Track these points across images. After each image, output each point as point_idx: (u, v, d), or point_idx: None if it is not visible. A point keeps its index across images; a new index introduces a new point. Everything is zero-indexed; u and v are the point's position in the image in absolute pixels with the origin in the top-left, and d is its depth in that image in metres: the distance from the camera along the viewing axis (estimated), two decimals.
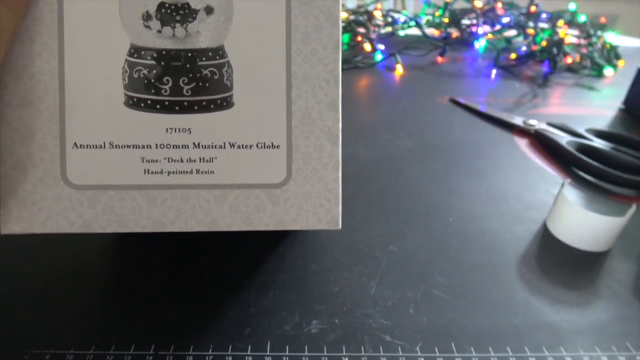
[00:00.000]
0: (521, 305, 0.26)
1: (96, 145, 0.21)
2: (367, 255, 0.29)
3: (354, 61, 0.60)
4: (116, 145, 0.21)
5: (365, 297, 0.26)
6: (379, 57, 0.62)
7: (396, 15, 0.70)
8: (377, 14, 0.70)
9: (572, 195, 0.36)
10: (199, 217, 0.22)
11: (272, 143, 0.22)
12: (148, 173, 0.22)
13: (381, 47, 0.63)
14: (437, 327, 0.24)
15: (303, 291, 0.26)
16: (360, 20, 0.68)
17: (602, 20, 0.71)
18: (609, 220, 0.29)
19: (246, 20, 0.22)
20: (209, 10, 0.21)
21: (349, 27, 0.66)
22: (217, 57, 0.22)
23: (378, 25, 0.70)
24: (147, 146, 0.22)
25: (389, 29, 0.71)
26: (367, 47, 0.62)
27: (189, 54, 0.21)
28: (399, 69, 0.60)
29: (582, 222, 0.30)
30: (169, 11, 0.21)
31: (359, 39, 0.64)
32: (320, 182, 0.23)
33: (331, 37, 0.22)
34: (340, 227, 0.23)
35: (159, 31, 0.21)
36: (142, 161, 0.22)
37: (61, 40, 0.21)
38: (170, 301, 0.25)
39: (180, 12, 0.21)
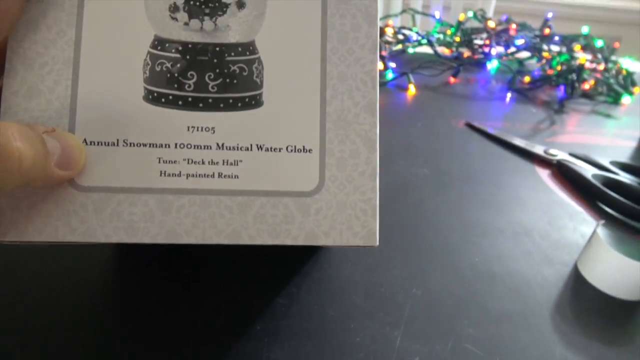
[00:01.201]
0: None
1: (109, 143, 0.19)
2: (389, 300, 0.27)
3: None
4: (131, 143, 0.19)
5: (389, 350, 0.24)
6: (390, 75, 0.60)
7: (408, 33, 0.69)
8: (389, 31, 0.68)
9: (606, 237, 0.34)
10: (219, 227, 0.20)
11: (303, 147, 0.20)
12: (164, 175, 0.19)
13: (392, 65, 0.61)
14: None
15: (321, 342, 0.24)
16: None
17: (616, 45, 0.70)
18: None
19: (280, 16, 0.20)
20: (240, 4, 0.20)
21: None
22: (247, 53, 0.20)
23: (389, 43, 0.68)
24: (166, 145, 0.19)
25: (399, 46, 0.69)
26: (379, 65, 0.61)
27: (217, 49, 0.20)
28: (412, 89, 0.58)
29: (620, 269, 0.28)
30: (197, 3, 0.20)
31: None
32: (356, 191, 0.20)
33: (369, 37, 0.21)
34: (377, 243, 0.21)
35: (186, 24, 0.20)
36: (159, 162, 0.19)
37: (79, 28, 0.19)
38: (169, 351, 0.22)
39: (210, 5, 0.20)
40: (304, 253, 0.29)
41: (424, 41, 0.67)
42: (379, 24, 0.68)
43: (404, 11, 0.74)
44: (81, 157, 0.18)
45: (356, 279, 0.28)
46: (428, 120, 0.51)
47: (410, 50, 0.69)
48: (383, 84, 0.59)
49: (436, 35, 0.70)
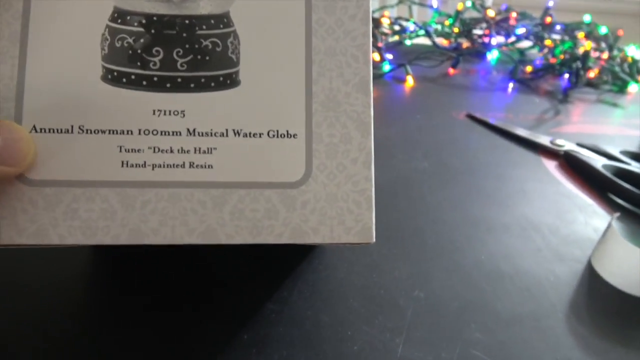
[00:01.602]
0: None
1: (62, 130, 0.17)
2: (389, 303, 0.24)
3: None
4: (88, 130, 0.17)
5: (390, 359, 0.21)
6: (386, 67, 0.58)
7: (405, 24, 0.66)
8: (385, 22, 0.66)
9: (621, 231, 0.32)
10: (191, 225, 0.17)
11: (287, 131, 0.18)
12: (127, 166, 0.17)
13: (389, 56, 0.59)
14: None
15: (315, 351, 0.21)
16: None
17: (620, 32, 0.68)
18: None
19: None
20: None
21: None
22: (221, 26, 0.18)
23: (385, 34, 0.66)
24: (128, 132, 0.17)
25: (396, 37, 0.66)
26: (375, 56, 0.58)
27: (186, 21, 0.18)
28: (410, 81, 0.55)
29: (638, 265, 0.26)
30: None
31: None
32: (348, 181, 0.18)
33: (360, 6, 0.18)
34: (374, 240, 0.18)
35: None
36: (120, 151, 0.17)
37: None
38: None
39: None
40: (297, 252, 0.27)
41: (422, 32, 0.65)
42: (375, 15, 0.65)
43: (400, 2, 0.72)
44: (29, 150, 0.16)
45: (353, 281, 0.26)
46: (427, 113, 0.48)
47: (408, 42, 0.67)
48: (380, 76, 0.57)
49: (434, 26, 0.68)
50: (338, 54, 0.18)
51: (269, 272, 0.26)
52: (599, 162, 0.38)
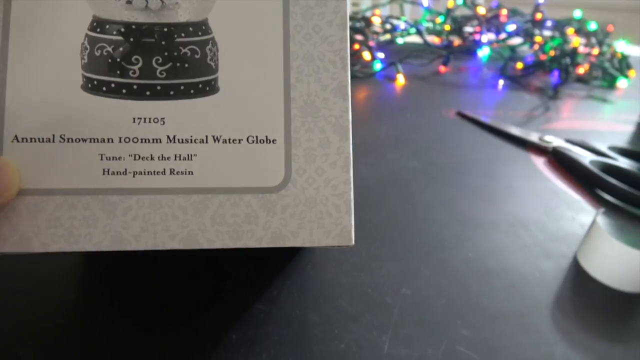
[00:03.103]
0: None
1: (43, 139, 0.17)
2: (376, 302, 0.25)
3: (352, 70, 0.56)
4: (69, 139, 0.17)
5: (377, 356, 0.22)
6: (378, 66, 0.58)
7: (395, 22, 0.67)
8: (376, 20, 0.66)
9: (607, 226, 0.32)
10: (172, 231, 0.18)
11: (266, 137, 0.18)
12: (108, 174, 0.17)
13: (380, 55, 0.59)
14: None
15: (302, 350, 0.22)
16: (357, 26, 0.64)
17: (610, 28, 0.68)
18: None
19: None
20: None
21: None
22: (200, 33, 0.18)
23: (376, 33, 0.66)
24: (109, 140, 0.17)
25: (387, 36, 0.67)
26: (366, 55, 0.59)
27: (165, 29, 0.18)
28: (400, 79, 0.56)
29: (623, 260, 0.26)
30: None
31: (357, 47, 0.60)
32: (327, 185, 0.18)
33: (337, 12, 0.19)
34: (353, 242, 0.19)
35: (129, 2, 0.18)
36: (101, 159, 0.17)
37: (7, 9, 0.17)
38: None
39: None
40: (285, 252, 0.28)
41: (413, 30, 0.65)
42: (367, 13, 0.65)
43: (392, 0, 0.72)
44: (12, 183, 0.16)
45: (341, 280, 0.26)
46: (418, 111, 0.49)
47: (399, 40, 0.67)
48: (371, 75, 0.57)
49: (425, 24, 0.68)
50: (316, 59, 0.18)
51: (258, 272, 0.26)
52: (586, 158, 0.38)
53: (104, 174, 0.17)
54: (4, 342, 0.21)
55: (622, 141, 0.46)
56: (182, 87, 0.18)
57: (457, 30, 0.67)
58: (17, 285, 0.24)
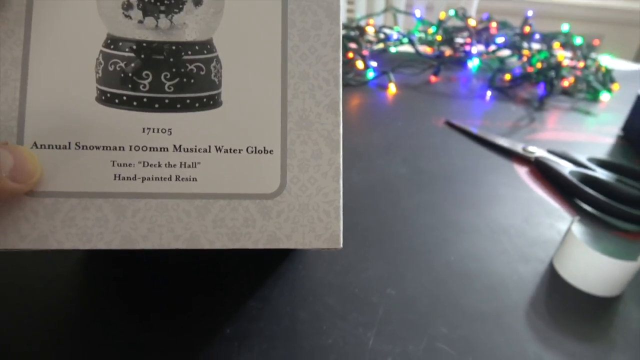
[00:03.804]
0: None
1: (60, 146, 0.19)
2: (362, 301, 0.26)
3: (345, 78, 0.58)
4: (83, 146, 0.19)
5: (362, 351, 0.23)
6: (370, 74, 0.60)
7: (389, 32, 0.68)
8: (370, 30, 0.68)
9: (581, 234, 0.34)
10: (176, 232, 0.19)
11: (264, 148, 0.20)
12: (119, 179, 0.19)
13: (373, 64, 0.61)
14: None
15: (292, 344, 0.23)
16: (351, 35, 0.66)
17: (596, 42, 0.71)
18: (623, 264, 0.27)
19: (238, 14, 0.20)
20: (197, 1, 0.19)
21: None
22: (205, 52, 0.20)
23: (370, 42, 0.68)
24: (120, 148, 0.19)
25: (380, 45, 0.69)
26: (360, 64, 0.60)
27: (173, 47, 0.19)
28: (392, 88, 0.57)
29: (594, 265, 0.28)
30: (152, 1, 0.19)
31: (351, 55, 0.62)
32: (318, 192, 0.20)
33: (331, 34, 0.20)
34: (341, 245, 0.20)
35: (140, 22, 0.19)
36: (113, 165, 0.19)
37: (28, 26, 0.18)
38: (137, 356, 0.22)
39: (166, 2, 0.19)
40: (278, 253, 0.29)
41: (405, 40, 0.67)
42: (361, 23, 0.67)
43: (385, 10, 0.74)
44: (36, 169, 0.18)
45: (330, 280, 0.28)
46: (408, 119, 0.50)
47: (393, 49, 0.69)
48: (364, 83, 0.59)
49: (417, 34, 0.70)
50: (311, 77, 0.20)
51: (252, 271, 0.28)
52: (566, 169, 0.40)
53: (115, 179, 0.19)
54: (5, 339, 0.22)
55: (603, 153, 0.48)
56: (188, 101, 0.19)
57: (449, 40, 0.69)
58: (17, 282, 0.25)
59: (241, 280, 0.27)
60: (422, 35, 0.70)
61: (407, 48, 0.70)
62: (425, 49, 0.69)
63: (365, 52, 0.63)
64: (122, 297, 0.25)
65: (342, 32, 0.64)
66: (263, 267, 0.28)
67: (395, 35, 0.68)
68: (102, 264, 0.27)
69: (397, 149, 0.44)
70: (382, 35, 0.69)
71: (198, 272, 0.27)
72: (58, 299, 0.25)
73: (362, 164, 0.41)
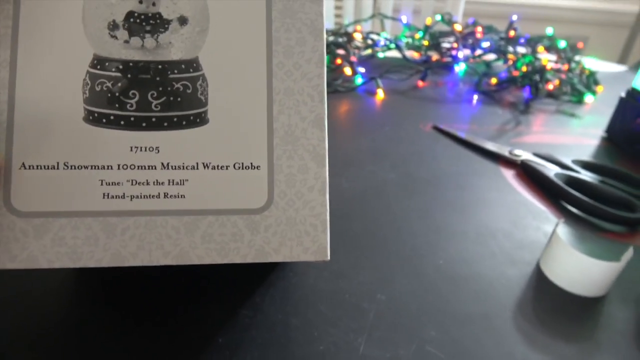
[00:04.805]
0: None
1: (48, 166, 0.19)
2: (353, 306, 0.27)
3: (334, 85, 0.59)
4: (72, 166, 0.19)
5: (353, 357, 0.24)
6: (359, 80, 0.60)
7: (376, 38, 0.69)
8: (357, 36, 0.68)
9: (566, 235, 0.35)
10: (166, 249, 0.19)
11: (251, 163, 0.20)
12: (107, 197, 0.19)
13: (361, 70, 0.62)
14: None
15: (284, 351, 0.24)
16: (339, 42, 0.67)
17: (580, 45, 0.72)
18: (607, 265, 0.27)
19: (224, 32, 0.20)
20: (182, 20, 0.20)
21: (328, 49, 0.64)
22: (191, 70, 0.20)
23: (358, 48, 0.68)
24: (108, 167, 0.19)
25: (368, 51, 0.69)
26: (347, 70, 0.61)
27: (159, 66, 0.20)
28: (380, 94, 0.58)
29: (579, 267, 0.28)
30: (138, 20, 0.19)
31: (339, 61, 0.62)
32: (305, 206, 0.20)
33: (315, 51, 0.21)
34: (328, 257, 0.21)
35: (126, 41, 0.19)
36: (102, 184, 0.19)
37: (14, 48, 0.19)
38: None
39: (151, 22, 0.19)
40: (269, 262, 0.29)
41: (393, 45, 0.68)
42: (349, 29, 0.68)
43: (373, 16, 0.75)
44: None
45: (321, 287, 0.28)
46: (396, 125, 0.51)
47: (380, 55, 0.70)
48: (352, 89, 0.59)
49: (404, 40, 0.71)
50: (296, 93, 0.20)
51: (244, 280, 0.28)
52: (552, 171, 0.41)
53: (104, 197, 0.19)
54: None
55: (588, 154, 0.49)
56: (175, 119, 0.20)
57: (435, 45, 0.70)
58: (11, 290, 0.25)
59: (232, 288, 0.27)
60: (409, 40, 0.71)
61: (394, 53, 0.70)
62: (413, 54, 0.70)
63: (353, 59, 0.63)
64: (113, 307, 0.25)
65: (330, 38, 0.65)
66: (254, 276, 0.28)
67: (382, 41, 0.69)
68: (94, 273, 0.27)
69: (385, 155, 0.44)
70: (369, 41, 0.70)
71: (189, 281, 0.27)
72: (49, 307, 0.25)
73: (351, 170, 0.41)
